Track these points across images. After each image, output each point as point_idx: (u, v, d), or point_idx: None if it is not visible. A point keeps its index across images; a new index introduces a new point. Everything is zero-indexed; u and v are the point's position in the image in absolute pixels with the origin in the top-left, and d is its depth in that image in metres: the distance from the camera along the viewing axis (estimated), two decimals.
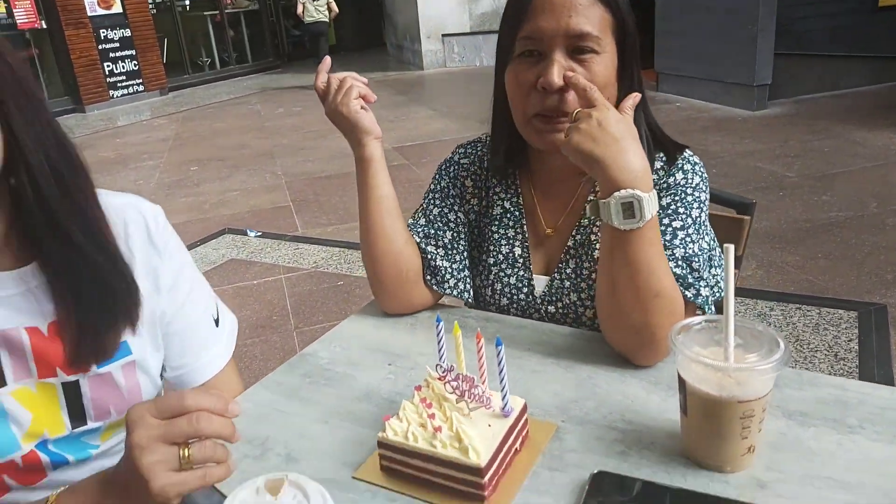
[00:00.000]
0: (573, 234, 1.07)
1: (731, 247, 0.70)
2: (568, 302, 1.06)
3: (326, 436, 0.83)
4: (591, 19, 0.93)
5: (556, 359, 0.95)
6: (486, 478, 0.69)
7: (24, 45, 9.07)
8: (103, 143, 7.43)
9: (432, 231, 1.11)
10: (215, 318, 0.95)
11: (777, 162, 4.50)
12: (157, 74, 10.46)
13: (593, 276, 1.03)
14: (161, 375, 0.91)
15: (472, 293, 1.12)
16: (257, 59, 12.87)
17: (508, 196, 1.12)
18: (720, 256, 0.99)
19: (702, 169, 1.02)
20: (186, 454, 0.58)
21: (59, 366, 0.79)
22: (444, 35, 10.66)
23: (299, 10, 9.47)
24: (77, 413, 0.81)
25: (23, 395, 0.78)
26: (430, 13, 10.54)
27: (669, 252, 0.93)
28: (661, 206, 0.97)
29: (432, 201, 1.15)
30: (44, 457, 0.80)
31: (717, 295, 0.95)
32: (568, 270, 1.06)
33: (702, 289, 0.93)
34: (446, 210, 1.13)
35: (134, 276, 0.83)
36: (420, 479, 0.72)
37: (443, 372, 0.77)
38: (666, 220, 0.96)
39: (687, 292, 0.92)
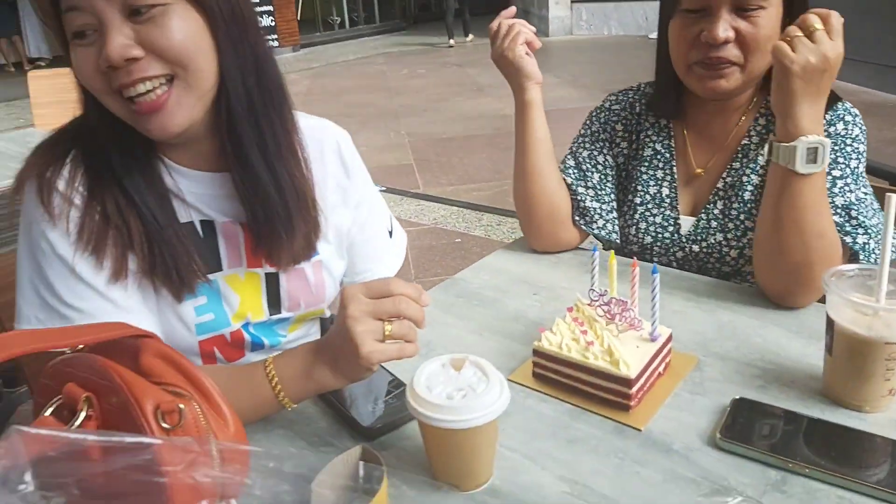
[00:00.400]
0: (723, 175, 1.11)
1: (894, 196, 0.73)
2: (713, 241, 1.10)
3: (481, 345, 0.93)
4: None
5: (696, 303, 1.00)
6: (634, 389, 0.76)
7: None
8: None
9: (581, 173, 1.18)
10: (389, 230, 1.08)
11: None
12: (291, 31, 10.94)
13: (741, 216, 1.07)
14: (341, 282, 1.04)
15: (618, 234, 1.18)
16: (385, 20, 13.16)
17: (660, 138, 1.17)
18: (877, 208, 1.00)
19: (861, 121, 1.04)
20: (388, 329, 0.69)
21: (264, 258, 0.92)
22: (573, 1, 10.43)
23: None
24: (274, 301, 0.95)
25: (233, 280, 0.91)
26: None
27: (829, 200, 0.95)
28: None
29: (582, 145, 1.22)
30: (246, 336, 0.94)
31: (875, 244, 0.97)
32: (715, 211, 1.10)
33: (859, 236, 0.96)
34: (595, 153, 1.20)
35: (322, 192, 0.95)
36: (569, 386, 0.81)
37: (596, 296, 0.85)
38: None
39: (845, 238, 0.95)
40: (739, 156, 1.10)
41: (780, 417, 0.74)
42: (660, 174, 1.16)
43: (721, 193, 1.10)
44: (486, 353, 0.90)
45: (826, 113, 1.01)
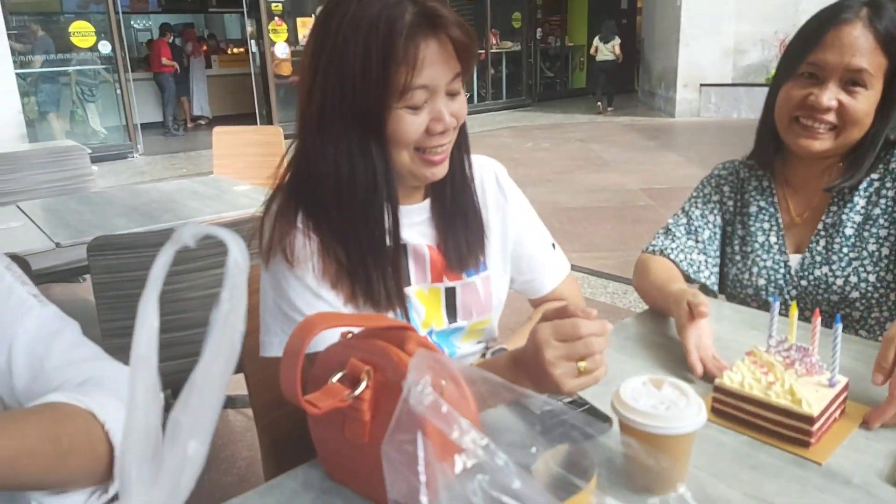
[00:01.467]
0: (823, 217, 1.26)
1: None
2: (819, 274, 1.25)
3: None
4: (871, 61, 1.13)
5: (864, 362, 1.04)
6: (815, 427, 0.83)
7: None
8: None
9: (693, 229, 1.35)
10: (552, 244, 1.24)
11: None
12: None
13: (844, 249, 1.23)
14: (512, 286, 1.21)
15: (717, 285, 1.36)
16: (511, 97, 13.71)
17: (763, 196, 1.33)
18: None
19: None
20: (582, 367, 0.79)
21: (444, 275, 1.09)
22: (702, 84, 10.47)
23: (592, 49, 11.90)
24: (452, 311, 1.11)
25: (420, 294, 1.08)
26: (691, 62, 10.43)
27: None
28: None
29: (694, 204, 1.39)
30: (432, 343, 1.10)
31: None
32: (818, 248, 1.26)
33: None
34: (706, 212, 1.37)
35: (485, 215, 1.13)
36: (749, 421, 0.88)
37: (776, 343, 0.93)
38: None
39: None
40: (836, 200, 1.26)
41: None
42: (766, 225, 1.33)
43: (822, 233, 1.26)
44: None
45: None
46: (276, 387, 0.71)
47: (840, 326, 0.87)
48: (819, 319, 0.90)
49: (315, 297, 0.98)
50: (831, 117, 1.16)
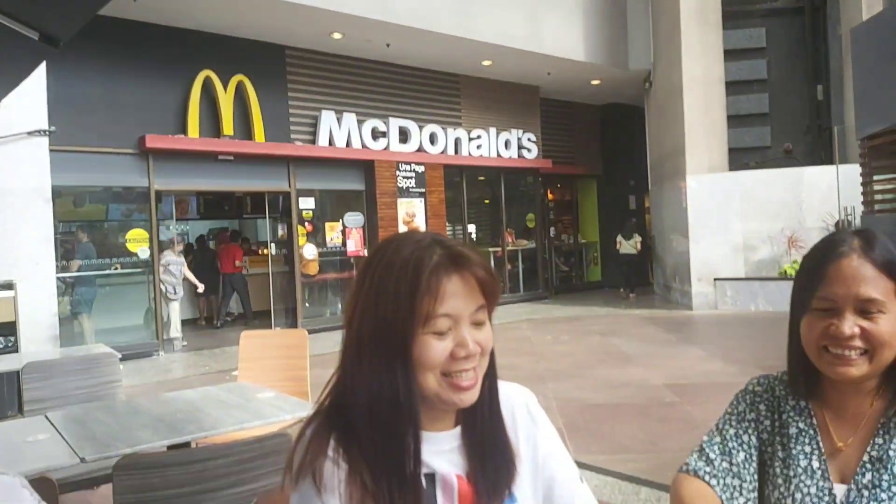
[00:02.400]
0: (868, 449, 1.19)
1: None
2: None
3: None
4: (878, 287, 1.15)
5: None
6: None
7: (348, 268, 11.21)
8: None
9: (727, 450, 1.29)
10: (580, 477, 1.20)
11: None
12: None
13: (893, 487, 1.14)
14: None
15: None
16: (528, 290, 14.07)
17: (802, 417, 1.27)
18: None
19: None
20: None
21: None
22: (716, 279, 10.72)
23: (617, 245, 13.24)
24: None
25: None
26: (702, 257, 10.79)
27: None
28: None
29: (728, 422, 1.33)
30: None
31: None
32: (864, 480, 1.17)
33: None
34: (741, 432, 1.31)
35: (515, 446, 1.12)
36: None
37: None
38: None
39: None
40: (881, 432, 1.19)
41: None
42: (807, 448, 1.25)
43: (868, 466, 1.18)
44: None
45: None
46: None
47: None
48: (865, 448, 0.89)
49: None
50: (859, 343, 1.16)
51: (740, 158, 11.17)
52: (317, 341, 9.41)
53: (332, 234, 10.99)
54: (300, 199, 10.63)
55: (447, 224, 12.66)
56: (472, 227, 13.80)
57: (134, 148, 8.83)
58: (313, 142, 10.56)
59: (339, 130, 10.70)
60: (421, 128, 11.78)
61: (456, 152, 12.46)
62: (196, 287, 10.34)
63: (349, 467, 0.99)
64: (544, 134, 14.22)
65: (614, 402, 5.52)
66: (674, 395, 5.60)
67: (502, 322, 10.83)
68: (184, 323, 10.09)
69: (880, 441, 1.19)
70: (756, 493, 1.29)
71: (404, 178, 11.58)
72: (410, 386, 1.00)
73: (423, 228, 11.70)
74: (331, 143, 10.65)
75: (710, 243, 10.76)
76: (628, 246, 13.01)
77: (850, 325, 1.16)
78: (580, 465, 4.13)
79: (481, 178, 13.83)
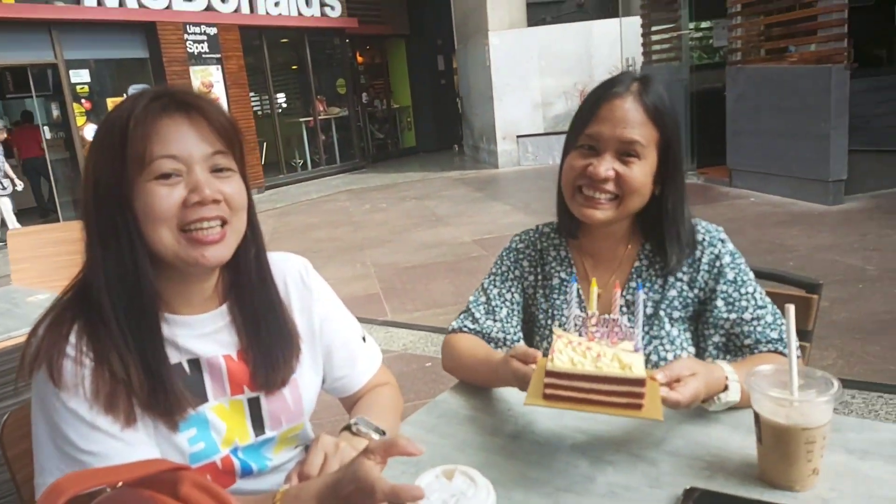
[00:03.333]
0: (623, 293, 1.28)
1: (791, 306, 0.91)
2: None
3: (465, 459, 1.04)
4: (643, 133, 1.19)
5: None
6: (645, 387, 0.89)
7: None
8: None
9: (490, 308, 1.36)
10: (363, 336, 1.22)
11: (855, 255, 4.53)
12: (256, 174, 11.42)
13: (644, 328, 1.25)
14: (322, 386, 1.17)
15: None
16: (345, 160, 13.84)
17: (563, 267, 1.35)
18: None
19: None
20: None
21: (245, 384, 1.04)
22: (518, 136, 11.22)
23: None
24: (258, 423, 1.05)
25: (219, 409, 1.02)
26: (506, 116, 11.18)
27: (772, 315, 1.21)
28: (728, 279, 1.23)
29: (493, 282, 1.39)
30: (235, 463, 1.04)
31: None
32: None
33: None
34: (504, 291, 1.37)
35: (293, 317, 1.10)
36: (584, 398, 0.90)
37: (581, 320, 0.99)
38: (743, 290, 1.22)
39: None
40: (634, 276, 1.29)
41: (724, 501, 0.86)
42: (568, 298, 1.32)
43: (623, 309, 1.27)
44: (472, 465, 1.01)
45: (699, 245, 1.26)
46: None
47: (641, 292, 0.99)
48: (619, 291, 1.02)
49: (90, 429, 0.90)
50: (611, 187, 1.20)
51: (538, 13, 11.41)
52: None
53: None
54: (71, 71, 9.25)
55: (252, 93, 11.81)
56: (280, 97, 13.03)
57: None
58: (78, 1, 9.06)
59: None
60: None
61: (252, 11, 11.40)
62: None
63: (95, 357, 0.91)
64: None
65: (428, 262, 5.76)
66: (481, 248, 5.97)
67: (321, 195, 10.64)
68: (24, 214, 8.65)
69: (633, 285, 1.27)
70: (522, 343, 1.36)
71: (195, 41, 10.44)
72: (138, 252, 0.91)
73: (223, 99, 10.83)
74: (100, 2, 9.21)
75: (512, 101, 11.13)
76: None
77: (608, 166, 1.19)
78: (397, 324, 4.27)
79: (284, 40, 12.90)
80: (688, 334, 1.27)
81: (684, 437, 1.04)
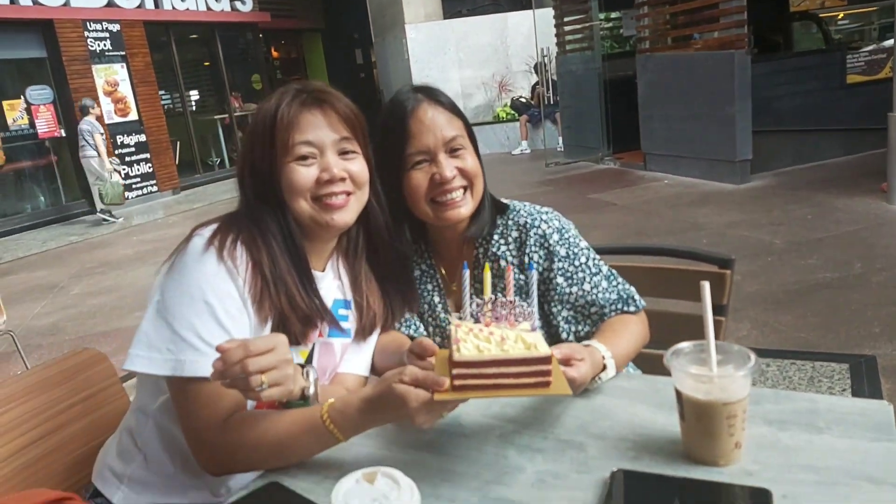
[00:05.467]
0: (474, 283, 1.32)
1: (706, 283, 0.91)
2: None
3: (389, 459, 1.00)
4: (455, 126, 1.28)
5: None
6: (551, 365, 0.88)
7: (44, 153, 9.58)
8: (120, 241, 7.75)
9: None
10: None
11: (763, 230, 4.76)
12: (171, 175, 10.94)
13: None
14: None
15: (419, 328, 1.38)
16: None
17: (424, 259, 1.40)
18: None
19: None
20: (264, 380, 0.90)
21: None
22: None
23: None
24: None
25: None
26: None
27: (600, 282, 1.30)
28: (561, 256, 1.29)
29: None
30: None
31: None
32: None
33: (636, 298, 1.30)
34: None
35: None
36: (493, 384, 0.88)
37: (477, 305, 0.98)
38: (577, 262, 1.30)
39: (630, 308, 1.29)
40: (481, 259, 1.35)
41: (651, 482, 0.86)
42: (430, 286, 1.39)
43: (473, 298, 1.27)
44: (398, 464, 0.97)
45: (513, 221, 1.33)
46: None
47: (535, 273, 1.04)
48: (511, 273, 1.03)
49: (228, 317, 1.03)
50: (459, 182, 1.27)
51: (454, 6, 11.43)
52: (11, 245, 8.20)
53: (15, 114, 9.15)
54: None
55: (162, 91, 11.29)
56: (193, 94, 12.52)
57: None
58: None
59: None
60: None
61: (157, 6, 10.88)
62: None
63: (251, 260, 1.07)
64: None
65: None
66: None
67: (234, 196, 10.30)
68: None
69: (476, 272, 1.33)
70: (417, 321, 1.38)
71: (96, 39, 9.87)
72: (288, 216, 1.12)
73: (130, 98, 10.32)
74: None
75: None
76: None
77: (450, 166, 1.26)
78: None
79: (193, 36, 12.39)
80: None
81: (610, 419, 1.04)
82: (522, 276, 1.33)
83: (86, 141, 8.55)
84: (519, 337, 0.91)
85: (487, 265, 1.06)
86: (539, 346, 0.90)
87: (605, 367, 1.11)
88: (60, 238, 8.41)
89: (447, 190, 1.27)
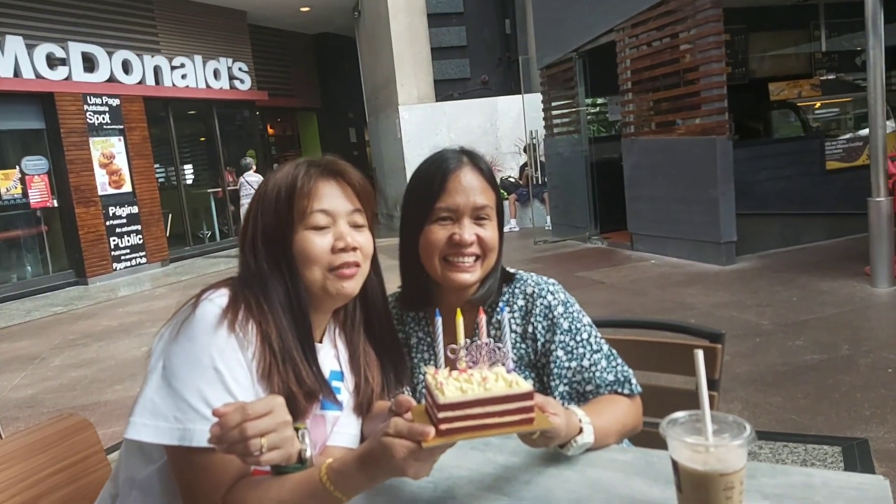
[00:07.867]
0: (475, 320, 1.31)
1: (700, 350, 0.92)
2: None
3: None
4: (487, 196, 1.31)
5: (567, 464, 1.12)
6: (533, 400, 0.88)
7: (34, 223, 9.60)
8: (106, 312, 7.66)
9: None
10: None
11: (750, 311, 4.80)
12: (160, 247, 10.96)
13: None
14: None
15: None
16: None
17: (420, 327, 1.41)
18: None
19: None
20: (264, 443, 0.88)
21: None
22: None
23: None
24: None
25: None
26: None
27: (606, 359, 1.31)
28: (564, 329, 1.31)
29: None
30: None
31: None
32: None
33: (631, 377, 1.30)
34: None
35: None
36: (477, 425, 0.87)
37: (454, 351, 0.96)
38: (578, 337, 1.31)
39: (624, 390, 1.29)
40: (476, 333, 1.31)
41: None
42: (426, 356, 1.39)
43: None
44: None
45: (521, 291, 1.36)
46: None
47: (506, 314, 1.05)
48: (483, 317, 1.01)
49: (238, 386, 1.01)
50: (474, 249, 1.30)
51: (445, 89, 11.84)
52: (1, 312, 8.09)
53: (8, 183, 9.22)
54: None
55: (157, 164, 11.46)
56: (188, 168, 12.71)
57: None
58: None
59: (2, 57, 8.89)
60: (111, 54, 10.31)
61: (157, 83, 11.20)
62: None
63: (259, 333, 1.06)
64: (258, 64, 13.48)
65: None
66: None
67: (229, 267, 10.28)
68: None
69: (478, 341, 1.30)
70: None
71: (95, 112, 10.09)
72: (299, 284, 1.11)
73: (125, 170, 10.46)
74: None
75: None
76: None
77: (470, 231, 1.29)
78: None
79: (191, 112, 12.71)
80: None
81: (607, 492, 1.02)
82: (524, 346, 1.34)
83: (248, 192, 10.16)
84: (499, 375, 0.92)
85: (459, 310, 1.04)
86: (520, 382, 0.90)
87: (581, 431, 1.10)
88: (45, 308, 8.31)
89: (461, 253, 1.29)
